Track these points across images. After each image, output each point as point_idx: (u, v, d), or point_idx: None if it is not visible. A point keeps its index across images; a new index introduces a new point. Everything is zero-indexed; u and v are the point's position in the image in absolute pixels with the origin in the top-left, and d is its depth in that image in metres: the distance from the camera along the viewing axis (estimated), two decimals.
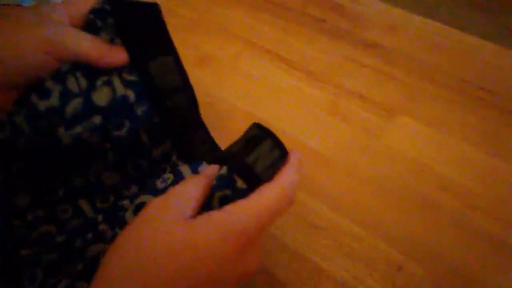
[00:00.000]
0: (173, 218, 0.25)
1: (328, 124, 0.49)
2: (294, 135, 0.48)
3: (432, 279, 0.37)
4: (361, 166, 0.45)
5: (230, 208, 0.26)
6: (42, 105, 0.29)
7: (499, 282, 0.37)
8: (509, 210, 0.41)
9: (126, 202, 0.31)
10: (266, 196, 0.26)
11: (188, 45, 0.59)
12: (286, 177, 0.28)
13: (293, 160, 0.29)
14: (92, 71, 0.30)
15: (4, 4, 0.31)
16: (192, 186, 0.27)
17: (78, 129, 0.29)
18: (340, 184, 0.44)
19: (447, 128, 0.48)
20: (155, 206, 0.26)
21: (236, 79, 0.55)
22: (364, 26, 0.62)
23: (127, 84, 0.31)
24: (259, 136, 0.29)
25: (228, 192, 0.27)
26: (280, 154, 0.29)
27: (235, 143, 0.31)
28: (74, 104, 0.29)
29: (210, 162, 0.30)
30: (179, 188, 0.27)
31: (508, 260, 0.38)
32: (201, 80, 0.54)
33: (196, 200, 0.26)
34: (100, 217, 0.31)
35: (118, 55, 0.31)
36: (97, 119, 0.30)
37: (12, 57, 0.28)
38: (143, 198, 0.30)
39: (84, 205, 0.32)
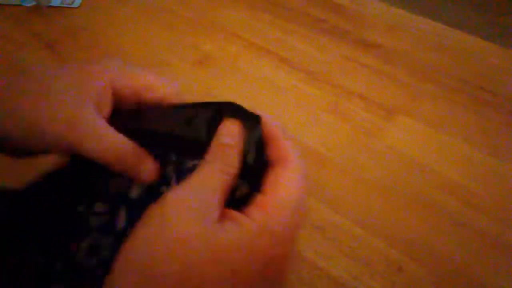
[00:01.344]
0: (195, 223, 0.20)
1: (328, 124, 0.49)
2: (294, 134, 0.48)
3: (433, 279, 0.37)
4: (361, 166, 0.45)
5: (258, 214, 0.21)
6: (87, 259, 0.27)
7: (499, 282, 0.37)
8: (509, 210, 0.41)
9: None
10: (290, 187, 0.22)
11: (188, 45, 0.59)
12: (292, 154, 0.23)
13: (278, 130, 0.24)
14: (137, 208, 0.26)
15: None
16: (214, 174, 0.22)
17: None
18: (340, 184, 0.44)
19: (447, 128, 0.48)
20: (172, 205, 0.21)
21: (236, 79, 0.55)
22: (364, 26, 0.62)
23: None
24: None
25: None
26: (259, 132, 0.24)
27: (198, 130, 0.26)
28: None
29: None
30: (197, 180, 0.22)
31: (509, 260, 0.38)
32: (201, 80, 0.54)
33: (222, 192, 0.22)
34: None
35: (145, 168, 0.26)
36: None
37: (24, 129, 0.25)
38: None
39: None
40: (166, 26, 0.61)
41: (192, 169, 0.25)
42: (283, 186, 0.22)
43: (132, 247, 0.21)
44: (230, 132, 0.24)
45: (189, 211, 0.21)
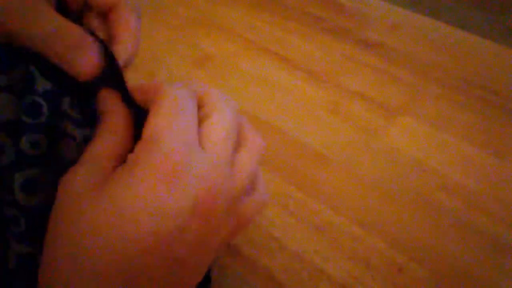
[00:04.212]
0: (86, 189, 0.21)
1: (328, 124, 0.49)
2: (295, 135, 0.48)
3: (434, 280, 0.37)
4: (362, 166, 0.45)
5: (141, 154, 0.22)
6: None
7: (501, 284, 0.37)
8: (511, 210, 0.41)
9: None
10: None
11: (187, 44, 0.59)
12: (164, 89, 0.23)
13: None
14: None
15: None
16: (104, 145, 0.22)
17: None
18: (340, 184, 0.43)
19: (449, 128, 0.48)
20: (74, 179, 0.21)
21: (236, 78, 0.54)
22: (365, 25, 0.61)
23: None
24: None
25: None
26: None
27: None
28: None
29: None
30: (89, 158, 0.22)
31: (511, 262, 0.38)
32: (200, 79, 0.54)
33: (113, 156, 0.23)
34: None
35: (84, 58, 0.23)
36: None
37: None
38: None
39: None
40: (164, 25, 0.61)
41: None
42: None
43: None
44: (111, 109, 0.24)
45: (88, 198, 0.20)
